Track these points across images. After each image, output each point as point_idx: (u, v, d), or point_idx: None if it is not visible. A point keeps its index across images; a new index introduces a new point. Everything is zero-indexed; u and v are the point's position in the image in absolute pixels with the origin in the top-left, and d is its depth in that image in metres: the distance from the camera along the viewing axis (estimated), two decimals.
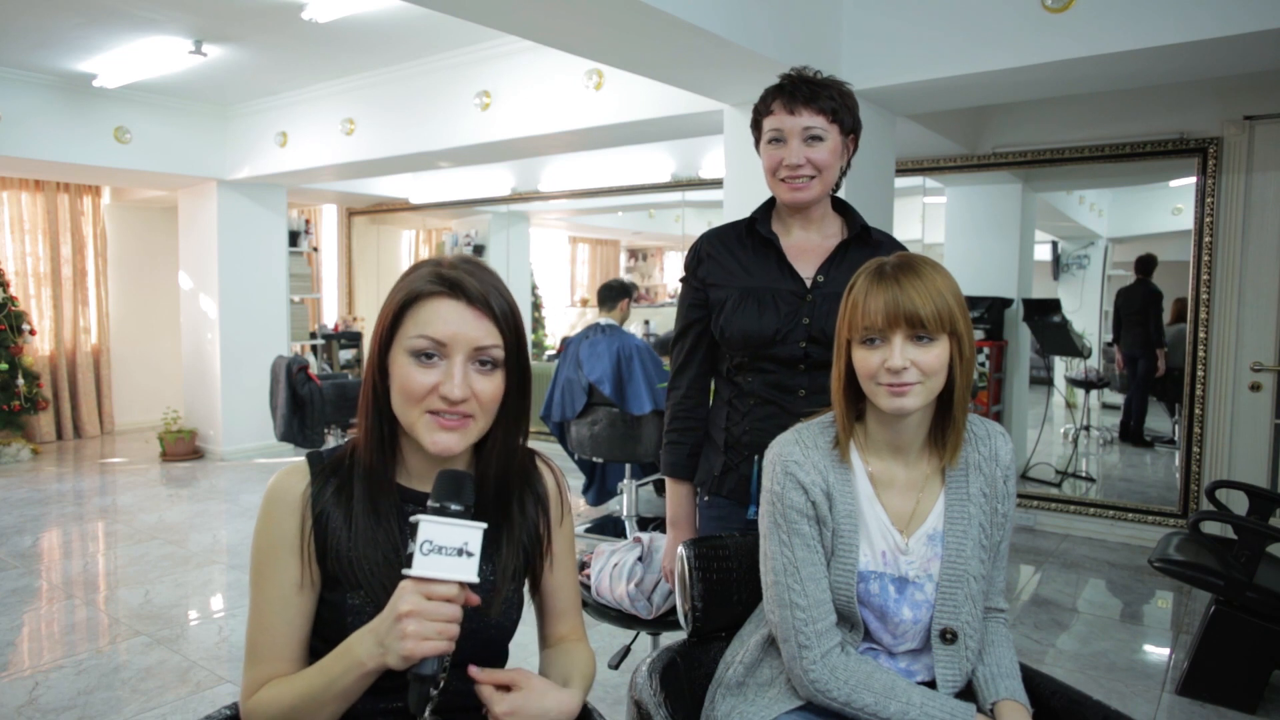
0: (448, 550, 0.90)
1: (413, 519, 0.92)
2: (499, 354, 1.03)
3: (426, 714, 0.97)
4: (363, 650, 0.94)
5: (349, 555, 1.04)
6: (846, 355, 1.25)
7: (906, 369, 1.18)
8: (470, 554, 0.91)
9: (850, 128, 1.64)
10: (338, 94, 5.21)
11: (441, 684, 0.97)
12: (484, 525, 0.93)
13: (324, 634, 1.04)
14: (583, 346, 4.07)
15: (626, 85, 3.85)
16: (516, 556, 1.13)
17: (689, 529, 1.80)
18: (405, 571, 0.91)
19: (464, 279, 1.02)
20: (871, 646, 1.28)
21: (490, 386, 1.03)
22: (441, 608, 0.90)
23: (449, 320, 1.00)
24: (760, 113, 1.66)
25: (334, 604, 1.04)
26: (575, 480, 4.86)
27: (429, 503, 0.93)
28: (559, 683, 1.10)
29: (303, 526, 1.04)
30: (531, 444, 1.19)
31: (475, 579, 0.92)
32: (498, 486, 1.12)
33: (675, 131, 4.14)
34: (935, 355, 1.19)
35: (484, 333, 1.02)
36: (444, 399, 1.00)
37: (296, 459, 1.11)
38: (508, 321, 1.04)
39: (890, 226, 3.57)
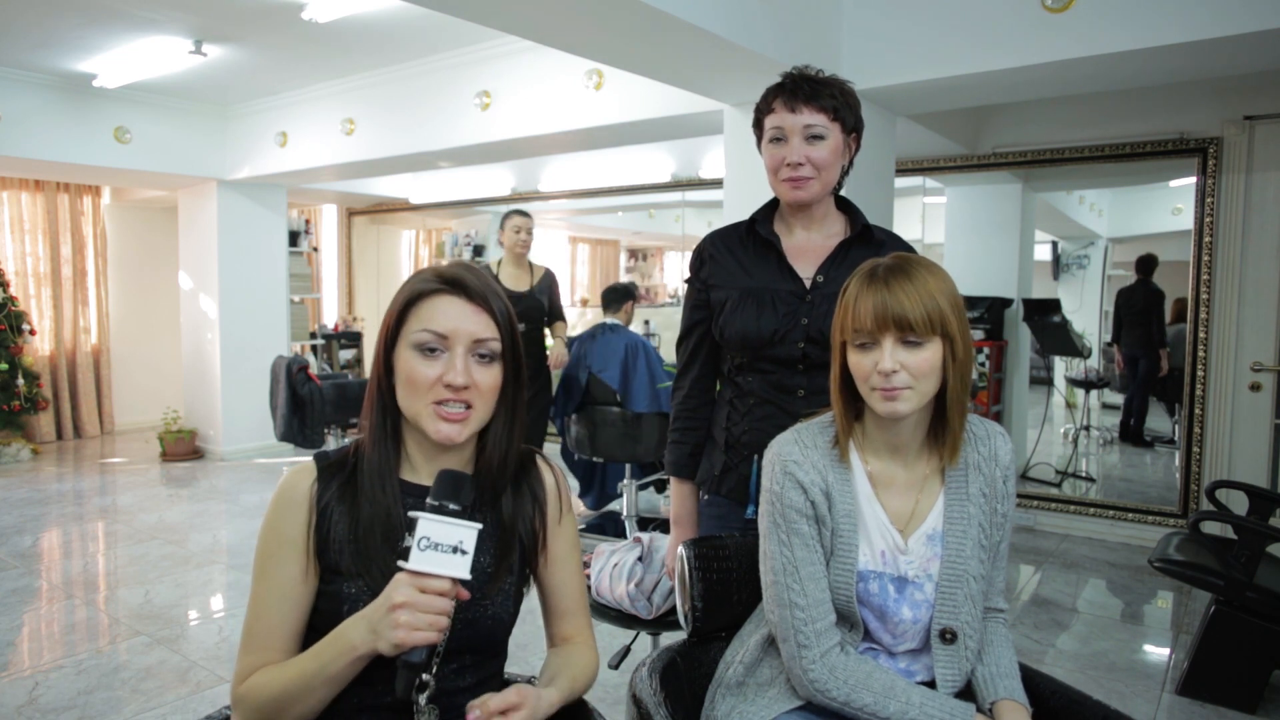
0: (443, 547, 0.95)
1: (411, 514, 0.97)
2: (496, 346, 1.10)
3: (422, 702, 1.04)
4: (355, 635, 0.98)
5: (350, 545, 1.07)
6: (843, 356, 1.25)
7: (897, 372, 1.18)
8: (464, 552, 0.96)
9: (852, 126, 1.64)
10: (338, 94, 5.21)
11: (433, 674, 1.04)
12: (479, 526, 0.98)
13: (318, 624, 1.08)
14: (589, 344, 4.10)
15: (626, 85, 3.85)
16: (513, 550, 1.16)
17: (691, 528, 1.81)
18: (401, 564, 0.96)
19: (463, 276, 1.10)
20: (871, 646, 1.28)
21: (489, 377, 1.09)
22: (434, 601, 0.95)
23: (450, 315, 1.08)
24: (762, 111, 1.66)
25: (331, 594, 1.08)
26: (574, 481, 4.85)
27: (428, 500, 0.97)
28: (545, 682, 1.14)
29: (308, 522, 1.09)
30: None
31: (468, 576, 0.97)
32: (498, 478, 1.16)
33: (675, 131, 4.14)
34: (925, 358, 1.19)
35: (482, 326, 1.09)
36: (448, 386, 1.06)
37: (305, 458, 1.13)
38: (504, 318, 1.11)
39: (890, 227, 3.55)
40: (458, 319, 1.07)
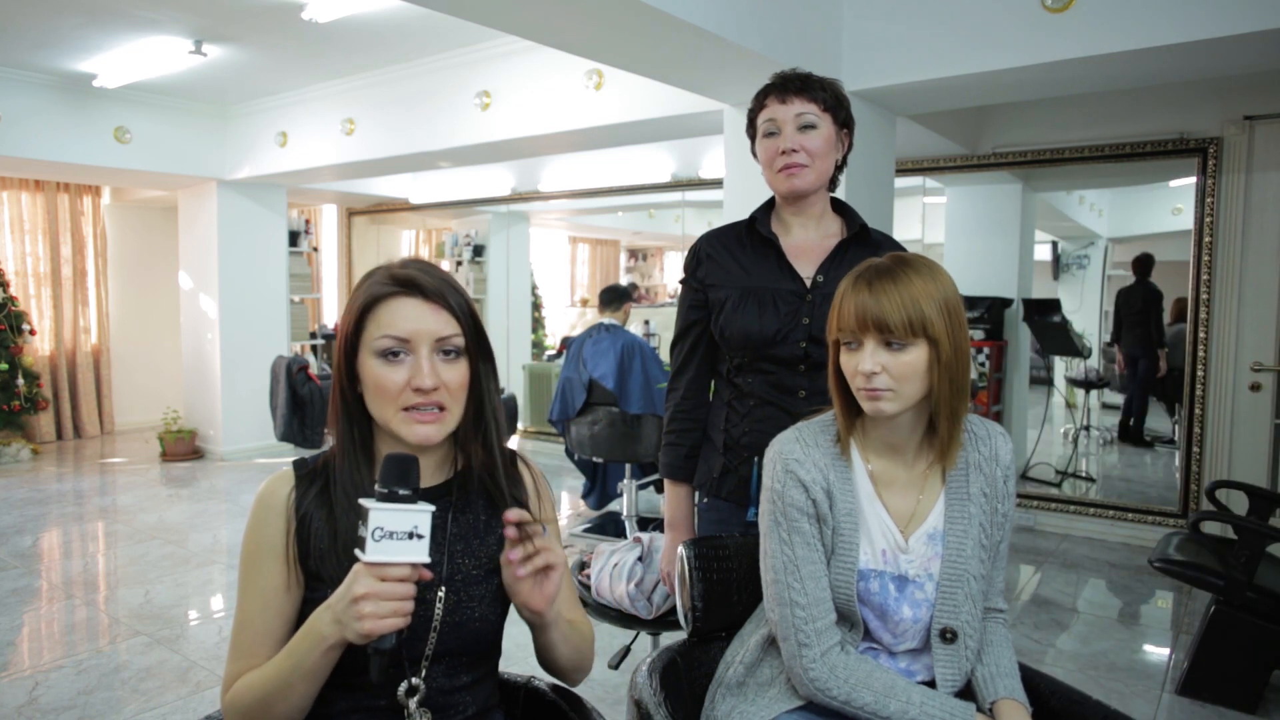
0: (398, 535, 0.94)
1: (362, 503, 0.96)
2: (460, 342, 1.09)
3: (413, 706, 1.04)
4: (323, 626, 0.98)
5: (331, 555, 1.07)
6: (836, 355, 1.26)
7: (878, 374, 1.18)
8: (420, 536, 0.95)
9: (844, 121, 1.66)
10: (338, 94, 5.21)
11: (422, 679, 1.05)
12: (432, 508, 0.97)
13: None
14: (586, 345, 4.09)
15: (626, 85, 3.85)
16: (498, 550, 1.15)
17: (687, 530, 1.79)
18: (358, 555, 0.95)
19: (417, 276, 1.08)
20: (871, 646, 1.28)
21: (456, 374, 1.08)
22: (395, 588, 0.94)
23: (409, 317, 1.06)
24: (754, 111, 1.68)
25: (317, 602, 1.07)
26: (576, 481, 4.86)
27: (376, 487, 0.96)
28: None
29: (287, 530, 1.08)
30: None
31: (427, 559, 0.96)
32: (480, 476, 1.16)
33: (675, 131, 4.14)
34: (907, 361, 1.19)
35: (443, 324, 1.07)
36: (417, 390, 1.05)
37: (286, 464, 1.13)
38: (464, 311, 1.10)
39: (890, 226, 3.57)
40: (417, 320, 1.06)
